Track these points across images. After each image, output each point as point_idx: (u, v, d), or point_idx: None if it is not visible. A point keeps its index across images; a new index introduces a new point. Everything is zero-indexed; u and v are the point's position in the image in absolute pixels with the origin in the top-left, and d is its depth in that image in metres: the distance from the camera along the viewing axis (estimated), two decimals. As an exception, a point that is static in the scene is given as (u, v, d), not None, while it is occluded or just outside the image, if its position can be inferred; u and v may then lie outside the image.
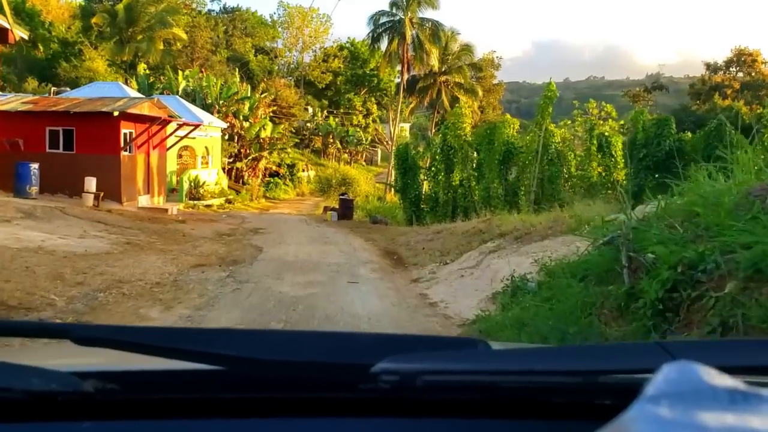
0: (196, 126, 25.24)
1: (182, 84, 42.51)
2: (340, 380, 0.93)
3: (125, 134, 20.91)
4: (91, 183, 19.57)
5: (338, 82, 64.99)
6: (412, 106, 52.35)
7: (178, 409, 0.94)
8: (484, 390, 0.91)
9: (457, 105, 21.16)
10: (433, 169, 22.68)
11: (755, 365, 0.92)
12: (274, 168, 45.47)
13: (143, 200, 22.77)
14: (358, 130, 63.79)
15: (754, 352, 1.03)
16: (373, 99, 66.66)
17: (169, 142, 29.18)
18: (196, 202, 31.73)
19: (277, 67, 64.20)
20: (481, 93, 52.21)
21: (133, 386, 0.95)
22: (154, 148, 23.34)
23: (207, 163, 35.56)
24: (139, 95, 31.24)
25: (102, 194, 19.67)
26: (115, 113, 19.84)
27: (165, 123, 23.10)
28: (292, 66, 66.17)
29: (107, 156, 20.18)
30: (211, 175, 34.89)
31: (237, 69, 47.33)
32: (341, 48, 66.23)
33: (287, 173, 46.84)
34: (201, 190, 32.90)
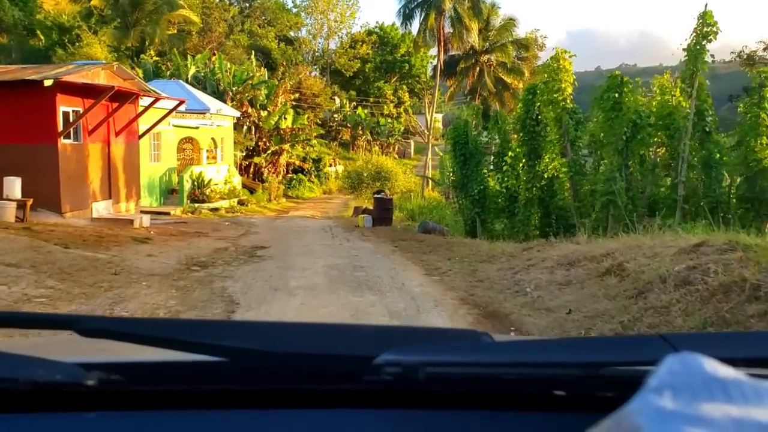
0: (181, 102, 18.42)
1: (192, 70, 35.78)
2: (343, 372, 0.90)
3: (65, 113, 14.10)
4: (13, 186, 12.84)
5: (367, 70, 57.98)
6: (450, 90, 45.10)
7: (181, 400, 0.91)
8: (487, 382, 0.90)
9: (549, 63, 13.72)
10: (509, 154, 15.50)
11: (758, 357, 0.90)
12: (297, 163, 38.69)
13: (101, 208, 15.99)
14: (389, 120, 56.71)
15: (757, 345, 1.00)
16: (404, 87, 59.53)
17: (165, 130, 22.49)
18: (199, 205, 24.97)
19: (301, 57, 57.31)
20: (528, 74, 44.74)
21: (137, 377, 0.93)
22: (117, 134, 16.54)
23: (214, 157, 28.75)
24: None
25: (31, 202, 12.94)
26: (47, 83, 13.04)
27: (132, 99, 16.19)
28: (317, 54, 59.27)
29: (38, 146, 13.47)
30: (220, 172, 28.08)
31: (253, 52, 40.58)
32: (369, 33, 59.24)
33: (312, 169, 40.01)
34: (206, 191, 26.12)
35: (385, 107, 57.28)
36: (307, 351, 0.92)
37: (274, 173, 35.70)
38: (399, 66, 58.74)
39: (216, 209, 24.79)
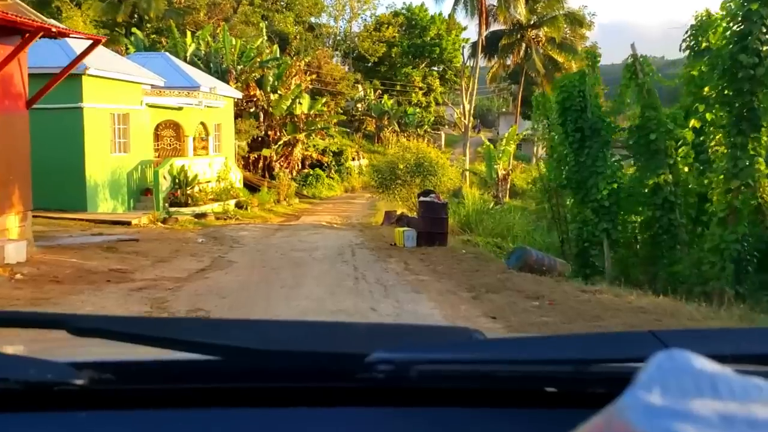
0: (96, 41, 11.39)
1: (191, 47, 28.97)
2: (335, 370, 0.88)
3: None
4: None
5: (393, 55, 50.83)
6: (492, 71, 37.85)
7: (173, 399, 0.88)
8: (478, 379, 0.88)
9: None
10: (689, 125, 8.40)
11: (747, 354, 0.88)
12: (315, 156, 31.82)
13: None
14: (418, 109, 49.59)
15: (746, 341, 1.00)
16: (434, 73, 52.34)
17: (135, 111, 15.55)
18: (178, 209, 18.16)
19: (322, 43, 50.26)
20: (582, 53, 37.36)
21: (129, 376, 0.90)
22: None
23: (205, 148, 21.88)
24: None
25: None
26: None
27: (19, 40, 9.16)
28: (338, 38, 52.23)
29: None
30: (213, 166, 21.22)
31: (264, 26, 33.68)
32: (396, 14, 52.02)
33: (332, 163, 33.12)
34: (191, 191, 19.30)
35: (414, 95, 50.15)
36: (300, 349, 0.90)
37: (286, 168, 28.87)
38: (428, 50, 51.52)
39: (203, 215, 18.00)
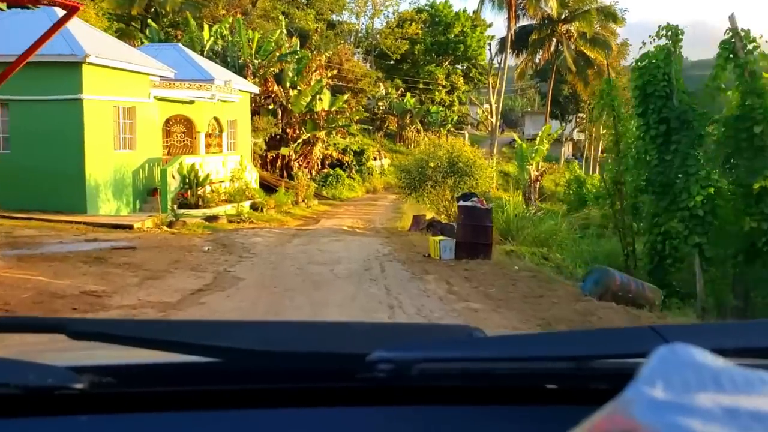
0: (74, 8, 9.67)
1: (209, 41, 27.40)
2: (336, 369, 0.87)
3: None
4: None
5: (416, 52, 48.91)
6: (521, 67, 35.83)
7: (174, 401, 0.87)
8: (479, 377, 0.87)
9: None
10: None
11: (748, 347, 0.88)
12: (335, 155, 30.10)
13: None
14: (441, 108, 47.69)
15: (747, 335, 0.98)
16: (458, 71, 50.37)
17: (142, 104, 13.79)
18: (187, 211, 16.54)
19: (343, 40, 48.50)
20: (615, 49, 35.29)
21: (129, 380, 0.89)
22: None
23: (219, 145, 20.23)
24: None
25: None
26: None
27: None
28: (360, 35, 50.45)
29: None
30: (227, 165, 19.56)
31: (283, 20, 31.97)
32: (419, 11, 50.12)
33: (353, 162, 31.38)
34: (203, 191, 17.68)
35: (437, 94, 48.25)
36: (300, 350, 0.89)
37: (305, 167, 27.17)
38: (452, 47, 49.54)
39: (214, 217, 16.32)
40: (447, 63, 50.26)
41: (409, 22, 48.46)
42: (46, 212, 14.59)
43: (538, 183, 25.99)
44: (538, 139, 25.91)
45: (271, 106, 26.89)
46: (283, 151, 26.80)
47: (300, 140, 27.37)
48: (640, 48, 8.72)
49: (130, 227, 13.88)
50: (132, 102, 16.29)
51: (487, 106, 44.99)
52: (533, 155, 25.02)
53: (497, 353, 0.88)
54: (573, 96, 42.47)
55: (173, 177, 16.92)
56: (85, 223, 13.84)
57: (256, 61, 26.66)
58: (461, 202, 10.24)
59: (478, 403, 0.86)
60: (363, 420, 0.85)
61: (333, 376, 0.87)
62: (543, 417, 0.86)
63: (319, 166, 29.00)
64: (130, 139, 16.44)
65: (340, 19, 50.68)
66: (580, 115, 45.95)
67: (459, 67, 51.09)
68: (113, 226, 13.84)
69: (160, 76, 17.49)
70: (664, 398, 0.49)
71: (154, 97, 17.12)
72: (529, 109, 60.90)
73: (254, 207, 19.09)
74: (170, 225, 14.67)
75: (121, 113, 16.04)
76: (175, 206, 16.62)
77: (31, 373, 0.83)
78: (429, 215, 15.61)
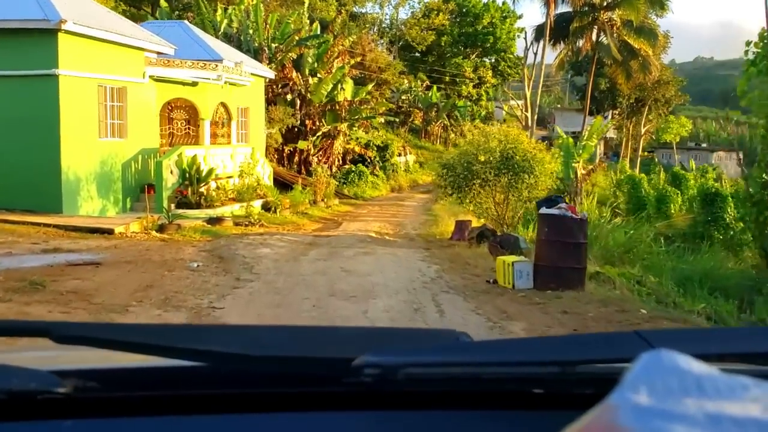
0: None
1: (223, 24, 24.67)
2: (323, 374, 0.87)
3: None
4: None
5: (442, 44, 45.92)
6: (560, 58, 32.69)
7: (160, 406, 0.86)
8: (466, 381, 0.87)
9: None
10: None
11: (732, 353, 0.89)
12: (357, 150, 27.25)
13: None
14: (469, 102, 44.66)
15: (731, 340, 1.00)
16: (487, 63, 47.28)
17: (136, 84, 10.71)
18: (189, 211, 13.79)
19: (367, 30, 45.52)
20: (662, 39, 32.04)
21: (114, 384, 0.88)
22: None
23: (228, 135, 17.44)
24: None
25: None
26: None
27: None
28: (384, 26, 47.46)
29: None
30: (236, 158, 16.76)
31: (307, 2, 29.05)
32: (446, 0, 47.04)
33: (377, 158, 28.49)
34: (205, 188, 14.91)
35: (464, 87, 45.20)
36: (287, 354, 0.88)
37: (324, 163, 24.34)
38: (481, 39, 46.52)
39: (217, 219, 13.52)
40: (474, 55, 47.20)
41: (435, 12, 45.48)
42: (14, 212, 11.89)
43: (586, 182, 22.90)
44: (585, 134, 22.82)
45: (288, 96, 24.11)
46: (301, 144, 24.00)
47: (320, 133, 24.57)
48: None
49: (110, 232, 11.13)
50: (122, 81, 13.54)
51: (513, 102, 41.87)
52: (581, 152, 21.94)
53: (483, 358, 0.87)
54: (610, 91, 39.23)
55: (170, 171, 14.16)
56: (56, 226, 11.13)
57: (273, 45, 23.88)
58: (544, 209, 7.29)
59: (464, 408, 0.85)
60: (349, 424, 0.84)
61: (320, 380, 0.86)
62: (528, 422, 0.84)
63: (340, 161, 26.20)
64: (120, 126, 13.70)
65: (363, 11, 47.78)
66: (616, 111, 42.72)
67: (487, 59, 48.02)
68: (90, 230, 11.10)
69: (158, 53, 14.73)
70: (648, 404, 0.48)
71: (150, 76, 14.36)
72: (558, 106, 57.60)
73: (266, 207, 16.29)
74: (161, 229, 11.90)
75: (108, 94, 13.30)
76: (173, 205, 13.85)
77: (14, 377, 0.81)
78: (475, 222, 12.68)
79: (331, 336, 1.05)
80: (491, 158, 11.52)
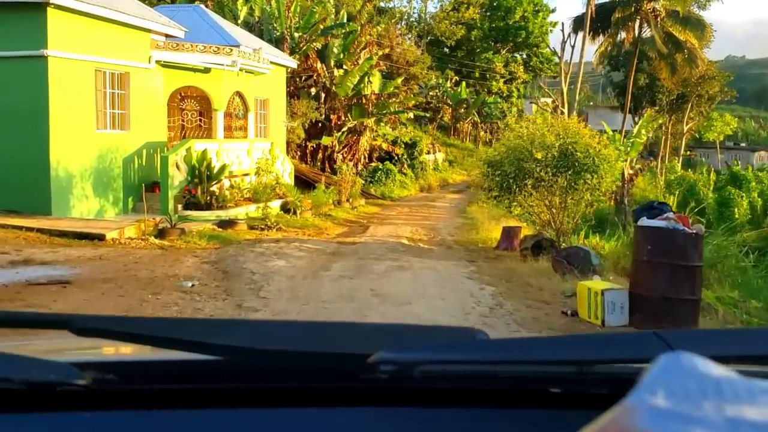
0: None
1: (243, 11, 23.09)
2: (339, 370, 0.86)
3: None
4: None
5: (472, 38, 43.91)
6: (600, 49, 30.49)
7: (177, 399, 0.86)
8: (482, 379, 0.86)
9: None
10: None
11: (752, 355, 0.87)
12: (384, 147, 25.45)
13: None
14: (499, 99, 42.58)
15: (749, 342, 0.97)
16: (519, 59, 45.13)
17: (140, 70, 9.01)
18: (197, 213, 12.10)
19: (395, 22, 43.61)
20: (709, 31, 29.69)
21: (132, 376, 0.88)
22: None
23: (245, 128, 15.73)
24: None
25: None
26: None
27: None
28: (412, 20, 45.56)
29: None
30: (253, 154, 15.04)
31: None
32: (477, -7, 44.97)
33: (405, 156, 26.66)
34: (217, 187, 13.19)
35: (494, 84, 43.11)
36: (303, 349, 0.87)
37: (350, 160, 22.57)
38: (513, 34, 44.41)
39: (230, 222, 11.82)
40: (506, 51, 45.09)
41: (465, 5, 43.43)
42: (-3, 212, 10.34)
43: (632, 184, 20.86)
44: (634, 130, 20.74)
45: (312, 90, 22.40)
46: (325, 140, 22.26)
47: (345, 128, 22.79)
48: None
49: (101, 238, 9.47)
50: (124, 66, 11.90)
51: (543, 100, 39.68)
52: (629, 150, 19.90)
53: (500, 356, 0.87)
54: (649, 87, 36.83)
55: (178, 167, 12.48)
56: (39, 230, 9.49)
57: (296, 35, 22.18)
58: (645, 221, 5.40)
59: (480, 406, 0.85)
60: (364, 421, 0.84)
61: (335, 376, 0.86)
62: (545, 421, 0.84)
63: (366, 159, 24.43)
64: (121, 116, 12.06)
65: (391, 5, 45.87)
66: (654, 108, 40.31)
67: (519, 55, 45.86)
68: (77, 236, 9.46)
69: (167, 35, 13.08)
70: (666, 407, 0.48)
71: (157, 61, 12.71)
72: (591, 103, 55.16)
73: (286, 208, 14.57)
74: (162, 234, 10.21)
75: (107, 80, 11.66)
76: (179, 206, 12.20)
77: (34, 368, 0.82)
78: (525, 230, 10.80)
79: (347, 331, 1.00)
80: (548, 155, 9.62)
